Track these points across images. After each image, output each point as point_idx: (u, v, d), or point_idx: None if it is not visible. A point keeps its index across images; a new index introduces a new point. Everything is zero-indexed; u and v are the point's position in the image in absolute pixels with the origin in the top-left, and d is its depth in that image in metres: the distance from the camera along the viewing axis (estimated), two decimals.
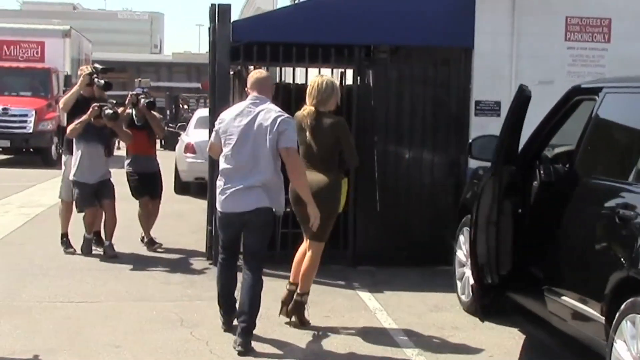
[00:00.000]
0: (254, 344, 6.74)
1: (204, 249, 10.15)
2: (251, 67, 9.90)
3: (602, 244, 5.40)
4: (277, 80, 10.23)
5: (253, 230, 6.80)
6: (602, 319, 5.31)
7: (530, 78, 9.62)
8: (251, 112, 6.75)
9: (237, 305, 6.99)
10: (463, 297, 8.12)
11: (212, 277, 9.13)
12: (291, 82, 10.23)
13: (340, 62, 9.92)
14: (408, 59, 12.58)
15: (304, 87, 8.15)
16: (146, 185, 10.91)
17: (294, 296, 7.46)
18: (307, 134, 7.26)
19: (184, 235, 11.71)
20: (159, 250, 10.78)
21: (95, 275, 9.20)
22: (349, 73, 10.82)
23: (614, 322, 5.14)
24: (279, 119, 6.65)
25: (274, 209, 6.80)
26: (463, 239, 8.15)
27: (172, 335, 7.08)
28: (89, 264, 9.85)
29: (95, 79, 10.22)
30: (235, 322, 6.94)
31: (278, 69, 10.44)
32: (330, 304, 8.21)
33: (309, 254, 7.41)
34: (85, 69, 10.44)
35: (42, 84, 25.75)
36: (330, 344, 6.95)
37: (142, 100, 10.65)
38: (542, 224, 6.40)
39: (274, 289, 7.91)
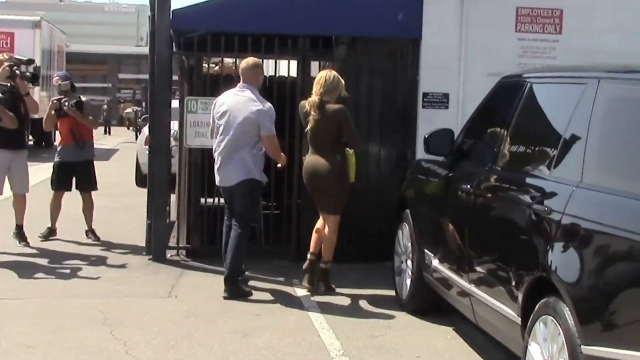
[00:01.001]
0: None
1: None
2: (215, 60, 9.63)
3: (518, 242, 5.16)
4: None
5: (237, 198, 8.10)
6: (519, 320, 5.07)
7: (480, 70, 9.43)
8: (237, 100, 7.99)
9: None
10: (401, 294, 7.88)
11: (149, 272, 8.93)
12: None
13: (284, 53, 9.64)
14: (363, 50, 12.40)
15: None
16: (70, 176, 10.60)
17: (320, 265, 8.31)
18: (311, 122, 8.10)
19: (131, 230, 11.41)
20: (98, 244, 10.49)
21: (25, 271, 8.90)
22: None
23: (528, 324, 4.90)
24: (257, 110, 7.90)
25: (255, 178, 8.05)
26: (401, 235, 7.90)
27: (91, 334, 6.81)
28: (21, 258, 9.55)
29: (17, 71, 9.78)
30: None
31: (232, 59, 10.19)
32: (262, 302, 7.96)
33: (327, 228, 8.26)
34: (4, 61, 9.94)
35: None
36: (254, 344, 6.69)
37: (67, 103, 10.37)
38: (464, 222, 6.16)
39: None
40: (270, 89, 9.52)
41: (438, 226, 6.84)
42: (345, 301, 8.07)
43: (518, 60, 9.53)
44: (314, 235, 8.36)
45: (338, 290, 8.41)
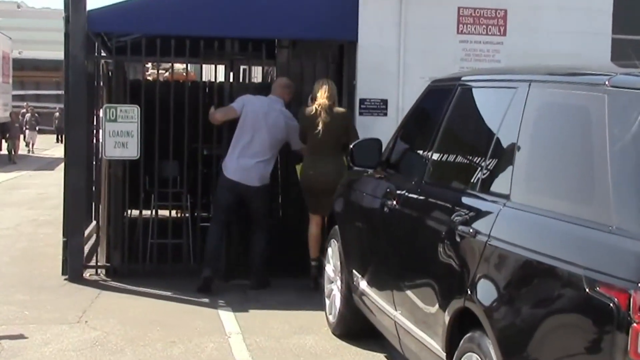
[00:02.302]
0: None
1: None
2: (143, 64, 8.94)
3: (443, 268, 4.54)
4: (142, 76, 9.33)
5: (257, 200, 8.65)
6: (444, 355, 4.47)
7: (420, 74, 8.84)
8: (273, 107, 8.62)
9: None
10: (330, 318, 7.26)
11: (63, 294, 8.23)
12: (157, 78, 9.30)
13: (210, 57, 8.99)
14: (304, 54, 11.82)
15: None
16: None
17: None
18: (321, 125, 8.33)
19: (54, 246, 10.65)
20: (12, 262, 9.77)
21: None
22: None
23: None
24: (293, 125, 8.60)
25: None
26: (331, 252, 7.29)
27: None
28: None
29: None
30: None
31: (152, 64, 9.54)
32: (182, 326, 7.28)
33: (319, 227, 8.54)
34: None
35: None
36: None
37: None
38: (389, 242, 5.55)
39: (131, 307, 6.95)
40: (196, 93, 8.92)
41: (364, 245, 6.24)
42: (273, 324, 7.42)
43: (460, 63, 8.96)
44: (315, 242, 8.63)
45: (268, 312, 7.83)
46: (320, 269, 8.33)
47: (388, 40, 8.96)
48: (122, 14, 8.68)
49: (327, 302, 7.38)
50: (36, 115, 33.81)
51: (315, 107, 8.39)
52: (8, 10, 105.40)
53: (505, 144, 4.31)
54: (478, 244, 4.14)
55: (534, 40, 9.03)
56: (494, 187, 4.31)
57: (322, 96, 8.43)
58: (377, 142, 6.14)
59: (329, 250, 7.34)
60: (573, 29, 9.06)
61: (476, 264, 4.11)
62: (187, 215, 9.55)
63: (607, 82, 3.61)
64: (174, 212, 9.96)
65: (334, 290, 7.20)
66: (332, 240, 7.24)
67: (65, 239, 8.79)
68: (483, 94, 4.93)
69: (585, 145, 3.66)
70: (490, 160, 4.40)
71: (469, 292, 4.12)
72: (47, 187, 18.65)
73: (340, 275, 6.97)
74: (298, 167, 8.93)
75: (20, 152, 30.31)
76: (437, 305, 4.54)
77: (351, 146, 6.25)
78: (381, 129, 8.54)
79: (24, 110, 35.02)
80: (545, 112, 4.06)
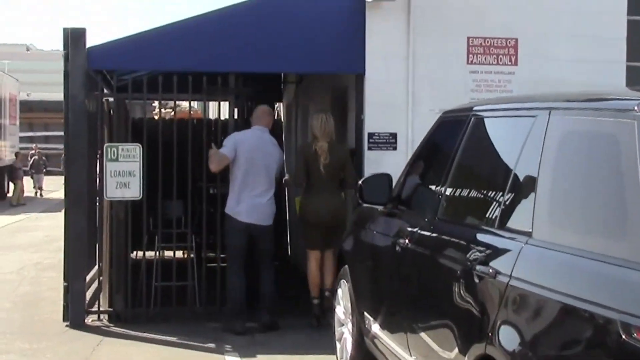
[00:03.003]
0: None
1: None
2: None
3: (461, 312, 4.23)
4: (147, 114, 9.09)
5: (266, 237, 8.53)
6: None
7: (429, 106, 8.57)
8: (264, 141, 8.47)
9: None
10: None
11: (64, 342, 7.92)
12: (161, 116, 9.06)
13: (214, 93, 8.73)
14: (311, 89, 11.63)
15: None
16: None
17: (327, 294, 8.37)
18: (322, 162, 8.42)
19: (57, 290, 10.34)
20: (13, 307, 9.47)
21: None
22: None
23: None
24: (281, 154, 8.66)
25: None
26: (341, 293, 6.97)
27: None
28: None
29: None
30: None
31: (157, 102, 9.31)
32: None
33: (331, 259, 8.45)
34: None
35: None
36: None
37: None
38: (402, 283, 5.24)
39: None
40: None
41: (376, 286, 5.92)
42: None
43: (471, 94, 8.68)
44: (316, 279, 8.58)
45: (276, 356, 7.49)
46: (322, 306, 8.44)
47: (396, 72, 8.69)
48: (122, 51, 8.44)
49: (338, 345, 7.04)
50: (43, 157, 33.68)
51: (316, 149, 8.43)
52: (17, 53, 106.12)
53: (525, 176, 4.02)
54: (499, 285, 3.83)
55: (547, 69, 8.76)
56: (514, 224, 4.01)
57: (321, 137, 8.47)
58: (387, 177, 5.84)
59: (339, 291, 7.02)
60: (586, 56, 8.79)
61: (497, 306, 3.80)
62: (192, 256, 9.24)
63: (636, 108, 3.32)
64: (178, 253, 9.64)
65: (344, 334, 6.87)
66: (341, 281, 6.92)
67: (66, 284, 8.50)
68: (499, 124, 4.64)
69: (614, 176, 3.37)
70: (509, 194, 4.10)
71: (490, 337, 3.80)
72: (53, 230, 18.32)
73: (351, 317, 6.65)
74: (297, 201, 8.90)
75: (27, 193, 30.07)
76: (455, 351, 4.22)
77: (360, 182, 5.96)
78: (391, 164, 8.27)
79: (32, 151, 34.90)
80: (568, 141, 3.76)
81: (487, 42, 8.80)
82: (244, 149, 8.29)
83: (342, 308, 6.93)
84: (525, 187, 3.97)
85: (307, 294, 8.70)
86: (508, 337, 3.67)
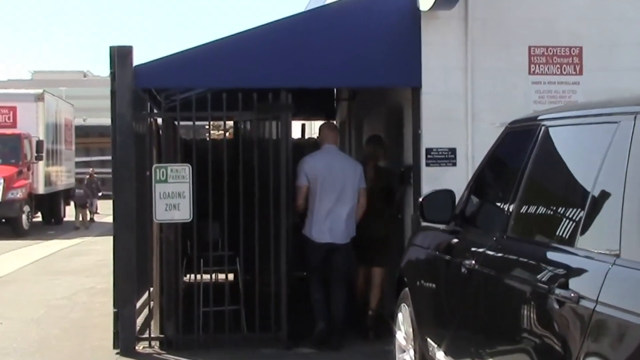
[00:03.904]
0: None
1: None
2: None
3: (538, 339, 3.82)
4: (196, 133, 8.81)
5: (344, 255, 8.64)
6: None
7: (490, 119, 8.20)
8: (336, 158, 8.67)
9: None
10: None
11: None
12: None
13: (265, 110, 8.41)
14: (364, 104, 11.31)
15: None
16: None
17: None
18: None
19: (108, 316, 10.06)
20: (62, 334, 9.23)
21: None
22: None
23: None
24: (358, 167, 8.66)
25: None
26: (402, 318, 6.58)
27: None
28: None
29: None
30: None
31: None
32: None
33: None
34: None
35: (12, 150, 24.65)
36: None
37: None
38: (469, 308, 4.83)
39: None
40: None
41: (441, 311, 5.52)
42: None
43: (534, 106, 8.24)
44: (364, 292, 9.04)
45: None
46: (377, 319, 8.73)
47: (454, 85, 8.32)
48: (169, 69, 8.17)
49: None
50: (97, 181, 33.67)
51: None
52: (74, 79, 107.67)
53: (608, 189, 3.61)
54: (583, 311, 3.43)
55: (613, 78, 8.29)
56: (597, 242, 3.60)
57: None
58: (450, 193, 5.45)
59: (400, 315, 6.63)
60: None
61: (583, 335, 3.39)
62: (239, 280, 8.93)
63: None
64: (231, 277, 9.33)
65: None
66: (402, 305, 6.53)
67: (116, 310, 8.22)
68: (574, 132, 4.23)
69: None
70: (590, 210, 3.69)
71: None
72: (107, 254, 18.01)
73: (413, 343, 6.26)
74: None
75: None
76: None
77: (421, 199, 5.57)
78: (450, 180, 7.92)
79: (88, 176, 35.09)
80: None
81: (550, 51, 8.39)
82: (314, 172, 8.35)
83: (403, 333, 6.54)
84: (609, 202, 3.57)
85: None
86: None
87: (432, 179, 8.20)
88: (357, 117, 11.98)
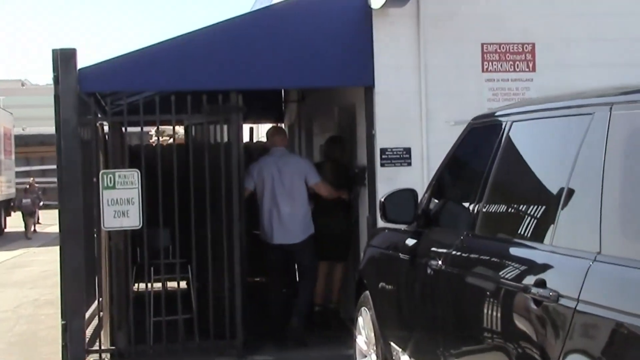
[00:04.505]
0: None
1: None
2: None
3: (514, 340, 3.68)
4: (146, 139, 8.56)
5: (303, 254, 8.75)
6: None
7: (444, 118, 8.10)
8: (277, 160, 8.70)
9: None
10: None
11: None
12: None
13: (214, 113, 8.18)
14: (314, 105, 11.15)
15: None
16: None
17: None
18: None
19: (52, 328, 9.73)
20: (5, 348, 8.90)
21: None
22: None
23: None
24: (299, 163, 8.90)
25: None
26: (362, 322, 6.41)
27: None
28: None
29: None
30: None
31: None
32: None
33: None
34: None
35: None
36: None
37: None
38: (436, 310, 4.68)
39: None
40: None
41: (405, 314, 5.37)
42: None
43: (488, 104, 8.12)
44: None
45: None
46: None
47: (407, 83, 8.18)
48: (115, 72, 7.88)
49: None
50: (36, 189, 32.93)
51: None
52: (12, 88, 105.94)
53: (584, 184, 3.48)
54: (563, 310, 3.29)
55: (567, 75, 8.23)
56: (575, 239, 3.47)
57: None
58: (412, 192, 5.29)
59: (360, 320, 6.47)
60: (608, 60, 8.28)
61: (564, 335, 3.25)
62: (192, 287, 8.70)
63: None
64: (183, 285, 9.08)
65: None
66: (362, 309, 6.37)
67: (64, 322, 7.91)
68: (543, 126, 4.10)
69: None
70: (565, 205, 3.56)
71: None
72: (51, 264, 17.74)
73: (375, 348, 6.10)
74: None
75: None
76: None
77: (382, 199, 5.40)
78: (405, 180, 7.78)
79: (28, 186, 34.40)
80: (638, 140, 3.23)
81: (503, 48, 8.30)
82: (262, 175, 8.51)
83: (364, 338, 6.38)
84: (586, 197, 3.44)
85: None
86: None
87: (387, 179, 8.07)
88: (307, 119, 11.81)
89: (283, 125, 14.59)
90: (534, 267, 3.65)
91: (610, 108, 3.40)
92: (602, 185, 3.29)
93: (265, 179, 8.50)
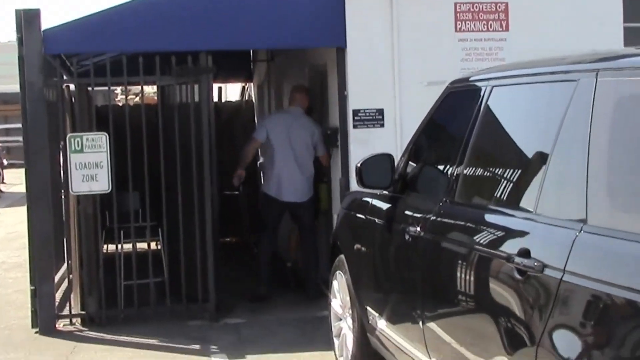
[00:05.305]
0: None
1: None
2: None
3: (496, 310, 3.64)
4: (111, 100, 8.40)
5: (305, 212, 8.90)
6: None
7: (417, 79, 8.02)
8: (294, 119, 8.82)
9: None
10: None
11: (33, 351, 7.26)
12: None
13: (183, 74, 8.02)
14: (284, 65, 11.02)
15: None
16: None
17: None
18: None
19: (20, 292, 9.61)
20: None
21: None
22: None
23: None
24: (316, 129, 8.76)
25: None
26: (337, 286, 6.37)
27: None
28: None
29: None
30: None
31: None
32: None
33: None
34: None
35: None
36: None
37: None
38: (415, 277, 4.64)
39: None
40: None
41: (382, 280, 5.33)
42: None
43: (461, 64, 8.07)
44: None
45: (268, 356, 6.91)
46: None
47: (380, 44, 8.07)
48: (80, 33, 7.72)
49: (336, 342, 6.46)
50: (3, 151, 32.56)
51: None
52: None
53: (569, 152, 3.42)
54: (548, 281, 3.25)
55: (540, 34, 8.17)
56: (559, 208, 3.42)
57: None
58: (389, 157, 5.21)
59: (335, 283, 6.43)
60: (581, 19, 8.23)
61: (549, 307, 3.21)
62: (163, 250, 8.62)
63: None
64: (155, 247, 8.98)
65: (343, 329, 6.29)
66: (337, 272, 6.32)
67: (33, 287, 7.81)
68: (525, 92, 4.03)
69: None
70: (553, 172, 3.50)
71: (541, 343, 3.22)
72: (18, 225, 17.52)
73: (350, 312, 6.06)
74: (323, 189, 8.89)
75: None
76: (494, 359, 3.63)
77: (358, 164, 5.32)
78: (378, 142, 7.82)
79: None
80: (625, 108, 3.17)
81: (476, 7, 8.21)
82: (276, 130, 8.61)
83: (339, 302, 6.34)
84: (571, 165, 3.38)
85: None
86: (567, 345, 3.08)
87: (359, 141, 8.00)
88: (277, 79, 11.67)
89: (252, 85, 14.45)
90: (517, 236, 3.61)
91: (596, 74, 3.34)
92: (588, 154, 3.23)
93: (281, 136, 8.59)
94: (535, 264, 3.33)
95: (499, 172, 4.17)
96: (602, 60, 3.47)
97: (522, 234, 3.58)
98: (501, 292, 3.62)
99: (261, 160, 9.69)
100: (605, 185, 3.17)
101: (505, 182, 4.00)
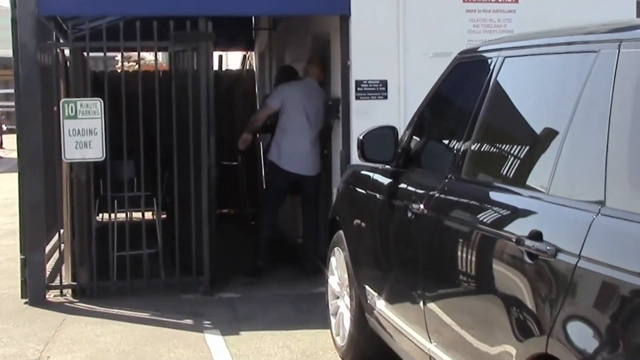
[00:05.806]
0: None
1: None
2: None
3: (503, 297, 3.42)
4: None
5: (312, 186, 8.74)
6: None
7: (422, 50, 7.78)
8: (311, 92, 8.63)
9: None
10: (338, 340, 6.13)
11: (22, 322, 7.06)
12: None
13: (182, 40, 7.77)
14: (286, 34, 10.77)
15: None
16: None
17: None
18: None
19: (12, 261, 9.40)
20: None
21: None
22: None
23: None
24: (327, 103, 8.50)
25: None
26: (335, 262, 6.16)
27: None
28: None
29: None
30: None
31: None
32: (162, 357, 6.15)
33: None
34: None
35: None
36: None
37: None
38: (417, 256, 4.42)
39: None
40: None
41: (382, 258, 5.11)
42: (270, 350, 6.30)
43: (468, 36, 7.82)
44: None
45: (263, 332, 6.69)
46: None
47: (385, 13, 7.81)
48: None
49: (333, 320, 6.26)
50: (2, 116, 32.27)
51: None
52: None
53: (587, 129, 3.19)
54: (562, 266, 3.03)
55: (550, 5, 7.90)
56: (575, 188, 3.20)
57: None
58: (392, 130, 4.98)
59: (333, 260, 6.22)
60: None
61: (562, 294, 2.99)
62: (157, 221, 8.42)
63: None
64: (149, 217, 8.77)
65: (340, 307, 6.09)
66: (336, 249, 6.11)
67: (23, 257, 7.61)
68: (539, 63, 3.79)
69: None
70: (568, 152, 3.27)
71: (552, 332, 3.00)
72: (14, 191, 17.20)
73: (348, 290, 5.86)
74: None
75: None
76: (500, 345, 3.42)
77: (360, 137, 5.08)
78: (381, 114, 7.60)
79: None
80: None
81: None
82: (291, 100, 8.41)
83: (337, 279, 6.14)
84: (590, 143, 3.15)
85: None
86: (581, 334, 2.87)
87: (362, 113, 7.77)
88: (279, 48, 11.41)
89: (253, 54, 14.19)
90: (527, 218, 3.39)
91: (619, 45, 3.10)
92: (609, 131, 3.00)
93: (297, 107, 8.41)
94: (548, 247, 3.11)
95: (509, 149, 3.93)
96: (625, 29, 3.23)
97: (533, 215, 3.36)
98: (509, 276, 3.40)
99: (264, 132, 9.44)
100: (626, 165, 2.94)
101: (516, 159, 3.77)
